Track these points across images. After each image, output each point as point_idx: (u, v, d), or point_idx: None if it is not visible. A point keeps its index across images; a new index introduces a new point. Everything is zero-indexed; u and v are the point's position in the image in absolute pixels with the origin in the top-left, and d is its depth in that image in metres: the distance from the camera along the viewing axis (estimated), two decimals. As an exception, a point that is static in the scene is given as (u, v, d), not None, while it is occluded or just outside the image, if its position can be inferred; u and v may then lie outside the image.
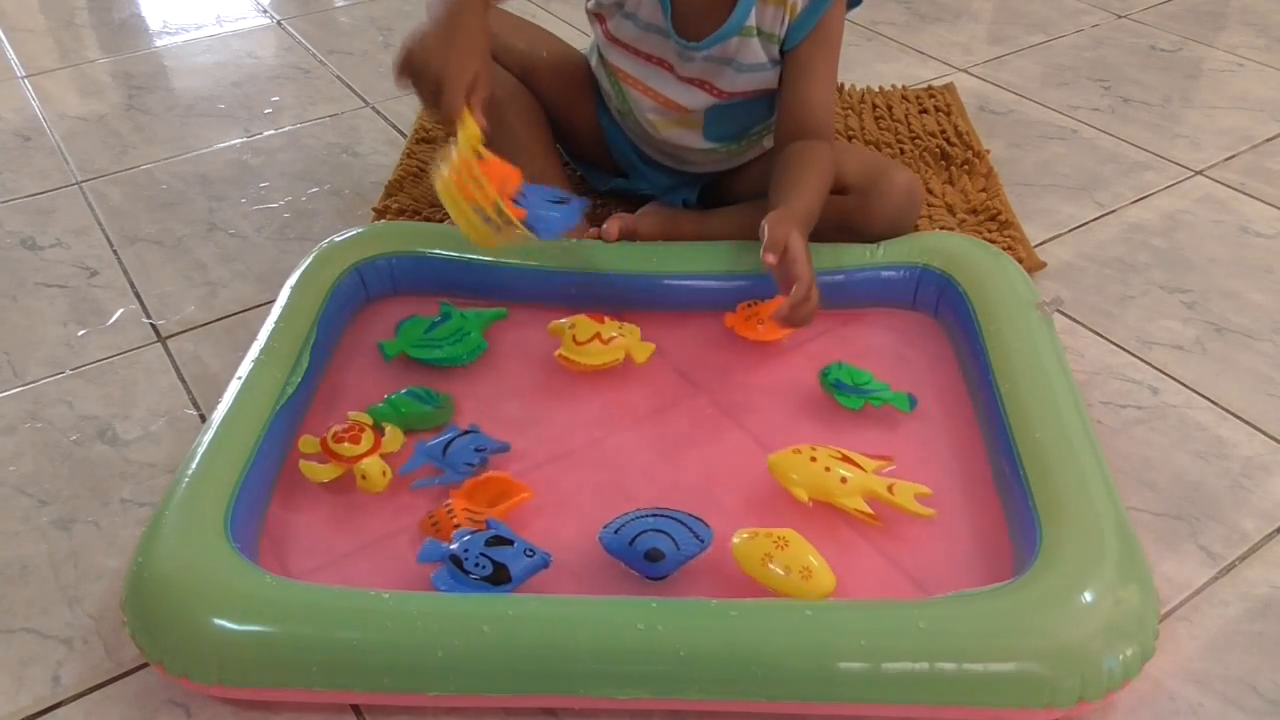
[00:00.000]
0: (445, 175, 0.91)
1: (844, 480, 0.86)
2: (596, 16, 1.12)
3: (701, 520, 0.83)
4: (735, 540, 0.81)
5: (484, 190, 0.90)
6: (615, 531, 0.82)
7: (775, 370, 1.03)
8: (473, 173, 0.89)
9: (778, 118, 1.08)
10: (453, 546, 0.80)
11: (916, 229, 1.15)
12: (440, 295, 1.11)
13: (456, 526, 0.84)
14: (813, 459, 0.87)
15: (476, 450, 0.92)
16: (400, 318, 1.07)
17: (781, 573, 0.79)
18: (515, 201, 0.93)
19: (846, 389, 0.97)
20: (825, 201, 1.05)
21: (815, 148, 1.06)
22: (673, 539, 0.80)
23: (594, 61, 1.21)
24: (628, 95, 1.16)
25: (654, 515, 0.83)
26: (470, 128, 0.91)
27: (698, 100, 1.12)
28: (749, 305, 1.06)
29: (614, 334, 1.01)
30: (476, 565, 0.79)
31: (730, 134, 1.16)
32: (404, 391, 0.98)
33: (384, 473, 0.90)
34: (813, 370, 1.01)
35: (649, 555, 0.79)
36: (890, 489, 0.87)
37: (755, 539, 0.81)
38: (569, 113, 1.23)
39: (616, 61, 1.14)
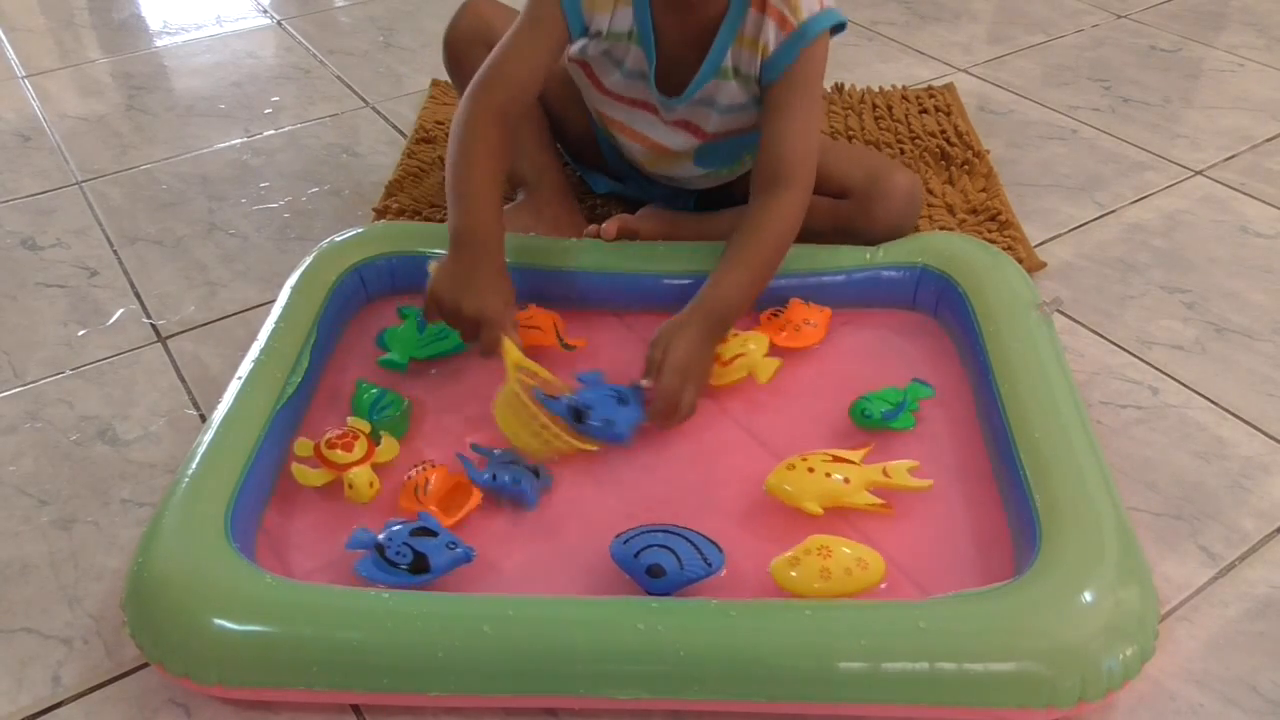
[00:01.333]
0: (501, 406, 0.92)
1: (846, 481, 0.87)
2: (580, 64, 1.11)
3: (716, 545, 0.82)
4: (786, 575, 0.79)
5: (549, 429, 0.90)
6: (625, 542, 0.82)
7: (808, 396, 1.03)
8: (529, 410, 0.90)
9: (755, 155, 1.05)
10: (380, 535, 0.82)
11: (917, 229, 1.15)
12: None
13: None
14: (810, 470, 0.87)
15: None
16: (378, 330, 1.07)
17: (844, 575, 0.79)
18: (576, 409, 0.92)
19: (891, 414, 0.94)
20: (823, 213, 1.06)
21: (775, 210, 1.00)
22: (678, 557, 0.80)
23: (586, 99, 1.19)
24: (616, 139, 1.17)
25: (665, 531, 0.82)
26: (513, 355, 0.92)
27: (684, 142, 1.12)
28: (773, 314, 1.06)
29: (736, 353, 1.00)
30: (398, 554, 0.81)
31: (722, 163, 1.16)
32: (376, 389, 0.98)
33: (371, 484, 0.90)
34: (813, 370, 1.00)
35: (650, 570, 0.79)
36: (885, 472, 0.88)
37: (801, 564, 0.79)
38: (565, 117, 1.23)
39: (603, 109, 1.15)
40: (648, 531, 0.82)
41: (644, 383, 0.93)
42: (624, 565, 0.81)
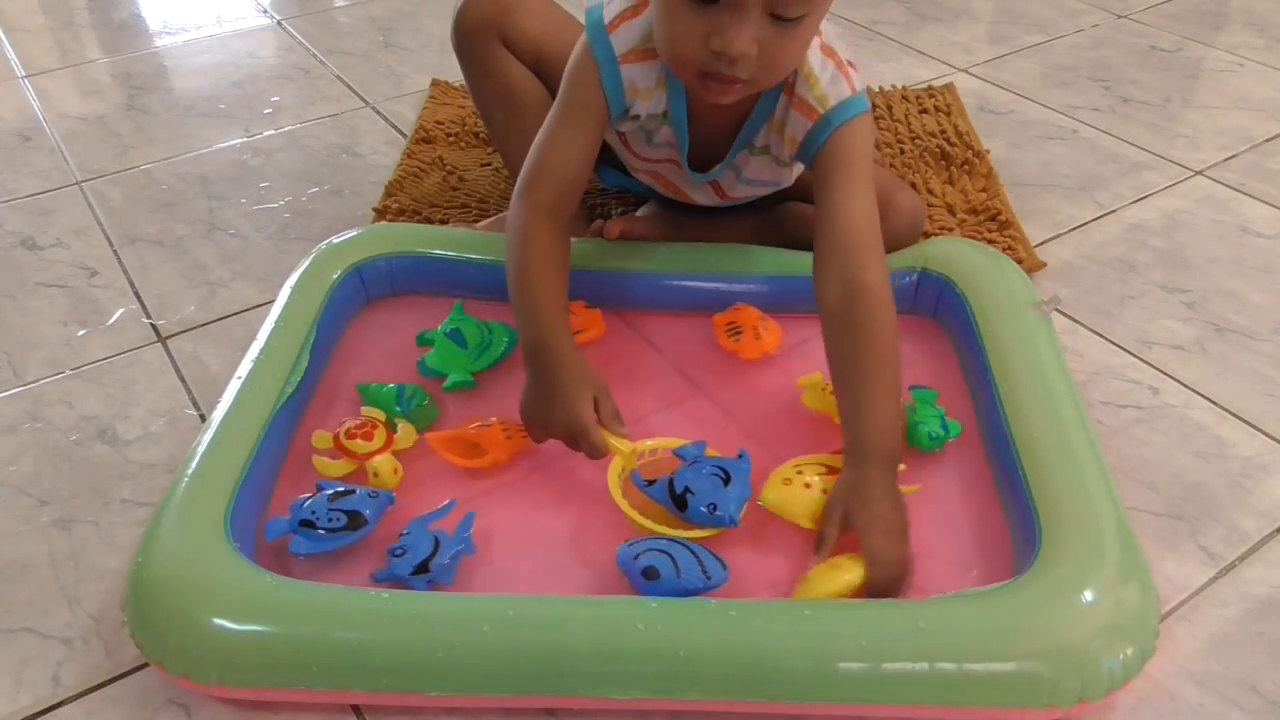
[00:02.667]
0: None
1: (825, 494, 0.86)
2: (618, 133, 1.08)
3: (721, 560, 0.81)
4: (827, 589, 0.78)
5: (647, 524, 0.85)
6: (629, 545, 0.82)
7: (776, 371, 1.03)
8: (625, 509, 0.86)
9: (815, 231, 0.97)
10: (303, 513, 0.84)
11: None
12: (439, 295, 1.11)
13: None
14: (806, 485, 0.86)
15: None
16: (400, 329, 1.08)
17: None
18: (678, 496, 0.85)
19: (945, 427, 0.93)
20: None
21: (869, 330, 0.89)
22: (675, 564, 0.79)
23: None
24: (642, 178, 1.17)
25: (671, 541, 0.82)
26: (622, 453, 0.89)
27: (708, 198, 1.13)
28: (731, 317, 1.05)
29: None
30: (330, 520, 0.83)
31: (746, 206, 1.17)
32: (394, 386, 0.98)
33: (395, 470, 0.91)
34: (810, 370, 1.00)
35: (645, 572, 0.79)
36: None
37: (837, 576, 0.78)
38: None
39: (629, 162, 1.14)
40: (655, 539, 0.82)
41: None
42: (624, 567, 0.81)
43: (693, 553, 0.81)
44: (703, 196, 1.13)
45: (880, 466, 0.84)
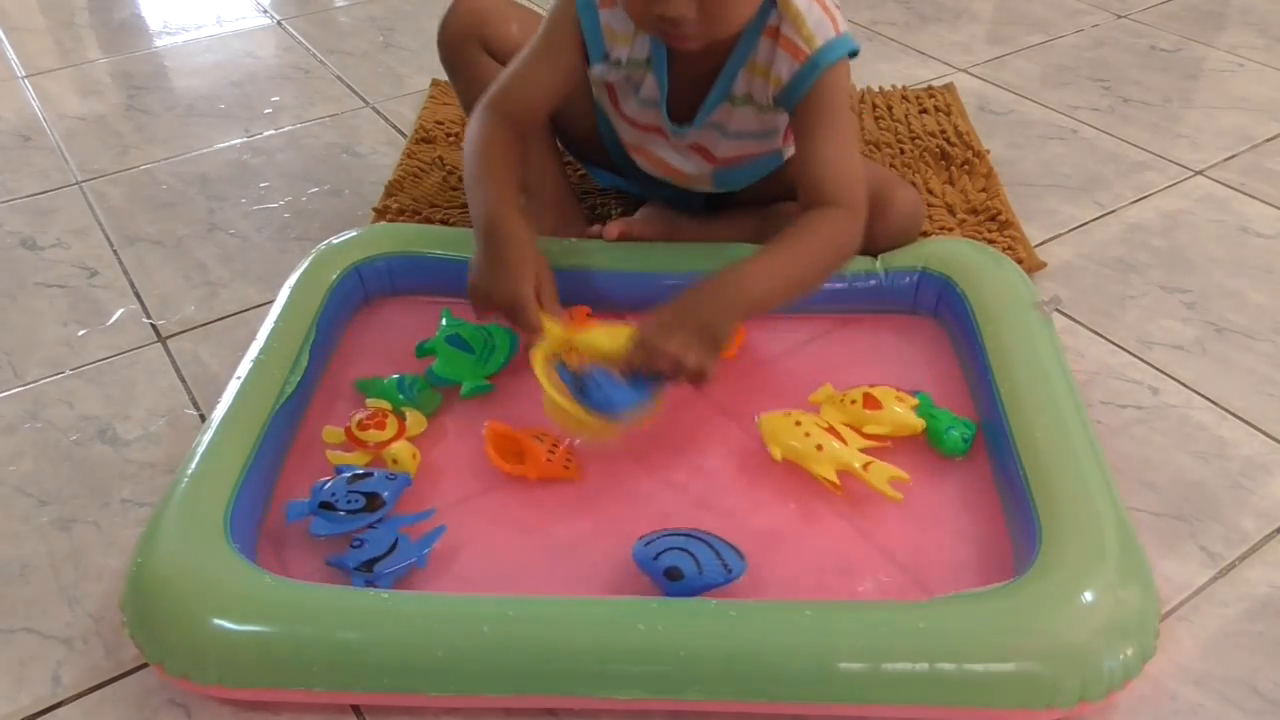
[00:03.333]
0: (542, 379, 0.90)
1: (819, 448, 0.88)
2: (605, 85, 1.10)
3: (738, 551, 0.82)
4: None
5: (561, 410, 0.89)
6: (646, 544, 0.82)
7: (776, 371, 1.03)
8: (547, 389, 0.89)
9: (797, 181, 1.02)
10: (323, 496, 0.85)
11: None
12: (438, 296, 1.11)
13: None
14: (797, 423, 0.90)
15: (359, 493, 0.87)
16: (400, 329, 1.08)
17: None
18: (582, 382, 0.90)
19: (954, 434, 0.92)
20: (816, 270, 0.98)
21: (823, 220, 0.97)
22: (697, 562, 0.79)
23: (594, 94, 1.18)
24: (633, 159, 1.17)
25: (687, 535, 0.82)
26: (553, 334, 0.92)
27: (698, 167, 1.12)
28: None
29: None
30: (349, 501, 0.84)
31: (740, 183, 1.16)
32: (394, 377, 0.99)
33: (414, 455, 0.92)
34: (812, 370, 1.00)
35: (668, 573, 0.79)
36: (866, 466, 0.88)
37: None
38: (568, 112, 1.22)
39: (620, 133, 1.15)
40: (670, 534, 0.82)
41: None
42: (644, 566, 0.81)
43: (710, 546, 0.81)
44: (692, 165, 1.12)
45: (733, 292, 0.91)
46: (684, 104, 1.06)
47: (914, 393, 0.96)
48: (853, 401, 0.94)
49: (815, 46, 0.97)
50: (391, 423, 0.93)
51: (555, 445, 0.91)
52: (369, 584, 0.80)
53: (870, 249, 1.10)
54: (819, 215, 0.97)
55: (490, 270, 0.95)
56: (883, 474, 0.88)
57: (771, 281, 0.93)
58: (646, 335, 0.88)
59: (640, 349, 0.88)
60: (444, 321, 1.05)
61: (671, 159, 1.12)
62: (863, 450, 0.90)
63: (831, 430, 0.90)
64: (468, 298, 0.97)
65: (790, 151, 1.11)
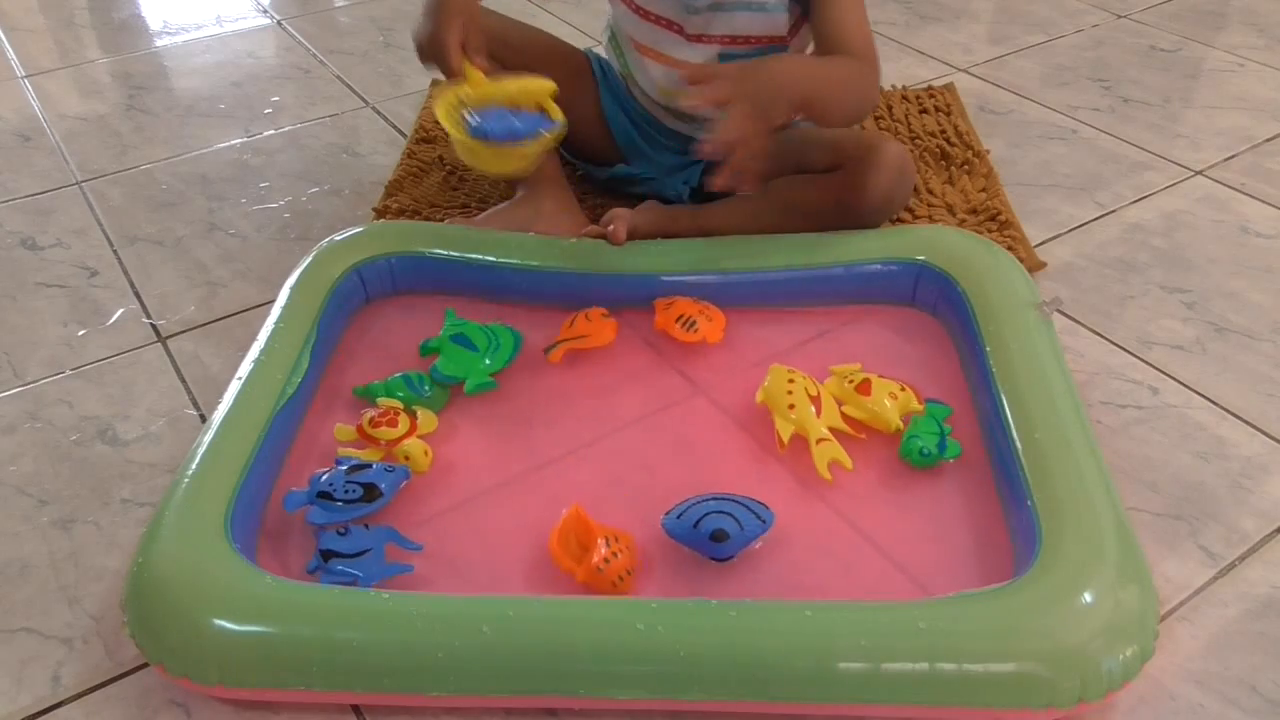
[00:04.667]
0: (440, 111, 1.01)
1: (791, 408, 0.92)
2: None
3: (761, 503, 0.85)
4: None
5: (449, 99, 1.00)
6: (678, 517, 0.83)
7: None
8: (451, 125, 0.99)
9: (814, 50, 1.10)
10: (322, 485, 0.87)
11: (912, 214, 1.14)
12: (438, 296, 1.11)
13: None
14: (791, 379, 0.94)
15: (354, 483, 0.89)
16: (400, 318, 1.07)
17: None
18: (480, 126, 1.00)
19: (943, 445, 0.91)
20: (815, 188, 1.09)
21: (849, 59, 1.06)
22: (737, 520, 0.82)
23: (605, 42, 1.24)
24: (645, 67, 1.19)
25: (714, 499, 0.84)
26: (472, 78, 1.01)
27: (709, 57, 1.14)
28: (668, 304, 1.05)
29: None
30: (346, 492, 0.86)
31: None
32: (399, 375, 0.99)
33: (426, 452, 0.92)
34: (812, 371, 1.00)
35: (714, 536, 0.81)
36: (819, 442, 0.91)
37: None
38: (567, 106, 1.22)
39: (631, 31, 1.17)
40: (698, 502, 0.84)
41: (688, 101, 1.00)
42: (683, 538, 0.82)
43: (740, 504, 0.84)
44: (708, 57, 1.14)
45: (786, 80, 1.00)
46: None
47: (929, 402, 0.96)
48: (850, 380, 0.96)
49: None
50: (403, 420, 0.93)
51: (616, 554, 0.81)
52: (315, 571, 0.82)
53: (862, 207, 1.09)
54: (844, 57, 1.06)
55: (424, 20, 1.03)
56: (827, 453, 0.90)
57: (815, 84, 1.03)
58: (712, 70, 1.00)
59: (701, 73, 0.99)
60: (448, 321, 1.05)
61: (683, 54, 1.15)
62: (831, 428, 0.92)
63: (816, 400, 0.92)
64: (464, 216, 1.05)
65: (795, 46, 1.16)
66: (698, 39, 1.14)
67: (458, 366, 1.01)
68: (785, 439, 0.91)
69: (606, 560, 0.80)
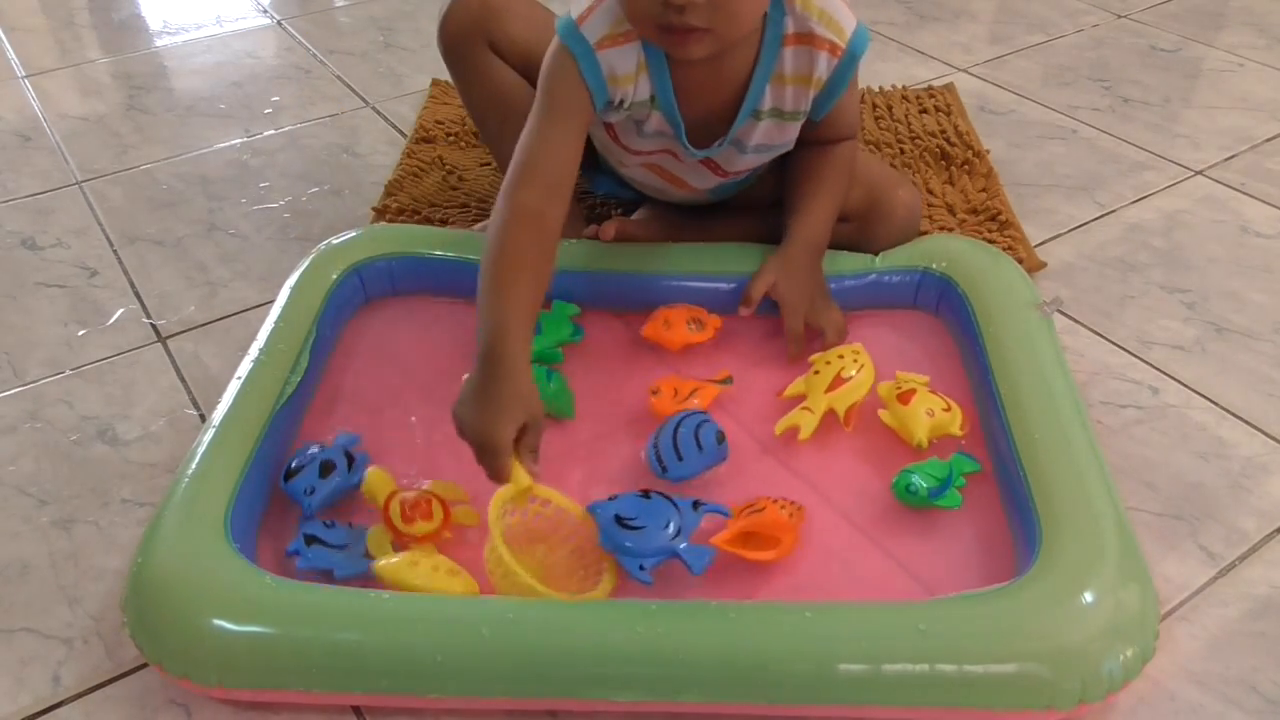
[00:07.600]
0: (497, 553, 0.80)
1: (816, 372, 0.97)
2: (603, 125, 1.05)
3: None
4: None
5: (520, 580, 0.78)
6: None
7: (776, 371, 1.03)
8: (505, 565, 0.78)
9: (813, 131, 1.05)
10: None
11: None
12: (439, 296, 1.11)
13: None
14: (840, 356, 0.98)
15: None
16: (399, 318, 1.07)
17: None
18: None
19: (938, 491, 0.87)
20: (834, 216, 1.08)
21: (835, 152, 1.07)
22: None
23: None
24: (633, 174, 1.14)
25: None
26: (519, 486, 0.84)
27: (704, 180, 1.11)
28: (685, 315, 1.05)
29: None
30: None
31: (734, 192, 1.16)
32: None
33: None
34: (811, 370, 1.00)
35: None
36: (805, 408, 0.94)
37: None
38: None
39: (622, 156, 1.10)
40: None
41: (743, 311, 1.03)
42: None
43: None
44: (698, 179, 1.11)
45: (806, 249, 1.05)
46: (703, 131, 1.03)
47: (959, 454, 0.91)
48: (900, 387, 0.95)
49: (846, 37, 0.97)
50: (436, 508, 0.86)
51: (787, 508, 0.84)
52: (297, 551, 0.83)
53: (870, 250, 1.10)
54: (836, 153, 1.08)
55: (475, 402, 0.85)
56: (798, 419, 0.93)
57: (829, 223, 1.07)
58: (798, 316, 1.03)
59: (798, 323, 1.03)
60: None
61: (678, 171, 1.10)
62: (828, 409, 0.94)
63: (839, 380, 0.95)
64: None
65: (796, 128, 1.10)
66: (696, 164, 1.07)
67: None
68: (787, 394, 0.97)
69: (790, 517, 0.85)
